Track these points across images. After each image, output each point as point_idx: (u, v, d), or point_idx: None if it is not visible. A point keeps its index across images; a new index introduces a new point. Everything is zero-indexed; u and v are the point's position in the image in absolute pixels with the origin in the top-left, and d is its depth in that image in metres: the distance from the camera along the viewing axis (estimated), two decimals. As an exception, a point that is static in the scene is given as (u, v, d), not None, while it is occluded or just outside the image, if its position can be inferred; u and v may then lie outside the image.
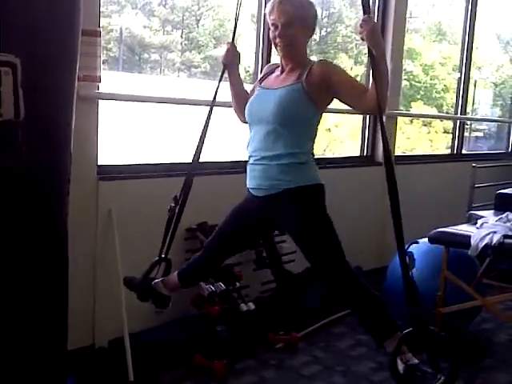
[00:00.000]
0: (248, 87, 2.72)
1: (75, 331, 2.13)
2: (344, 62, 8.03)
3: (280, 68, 2.52)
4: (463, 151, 5.79)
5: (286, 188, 2.37)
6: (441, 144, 7.68)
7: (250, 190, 2.51)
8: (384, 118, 2.33)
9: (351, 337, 3.46)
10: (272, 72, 2.59)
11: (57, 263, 1.76)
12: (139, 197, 3.00)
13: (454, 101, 5.88)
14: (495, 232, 3.14)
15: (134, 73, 5.55)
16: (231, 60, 2.63)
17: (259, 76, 2.74)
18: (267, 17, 2.44)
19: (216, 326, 3.00)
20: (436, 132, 7.86)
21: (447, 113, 8.44)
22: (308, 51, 2.54)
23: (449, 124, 6.79)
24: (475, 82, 7.79)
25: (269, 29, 2.49)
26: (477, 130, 7.75)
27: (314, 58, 2.48)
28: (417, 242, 3.45)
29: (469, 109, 6.10)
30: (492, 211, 3.86)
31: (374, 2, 4.40)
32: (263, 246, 3.47)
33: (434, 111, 8.67)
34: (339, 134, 5.96)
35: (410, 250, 3.54)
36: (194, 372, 2.88)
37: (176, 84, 5.69)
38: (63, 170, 1.76)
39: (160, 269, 2.69)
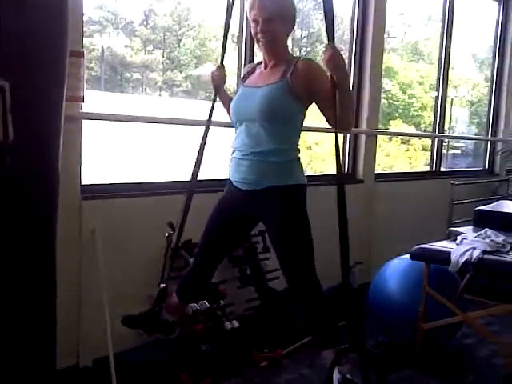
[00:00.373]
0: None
1: (59, 350, 2.12)
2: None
3: (263, 64, 2.55)
4: (442, 168, 5.88)
5: (271, 185, 2.41)
6: (419, 161, 7.79)
7: (234, 183, 2.53)
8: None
9: (335, 353, 3.46)
10: (254, 70, 2.63)
11: (45, 277, 1.77)
12: (123, 216, 3.00)
13: (432, 119, 5.98)
14: (475, 248, 3.20)
15: (115, 92, 5.56)
16: (220, 82, 2.70)
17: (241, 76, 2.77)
18: (248, 13, 2.47)
19: (201, 345, 3.00)
20: (415, 149, 7.98)
21: (425, 131, 8.57)
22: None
23: (427, 142, 6.89)
24: (452, 100, 7.94)
25: (250, 30, 2.53)
26: (454, 148, 7.87)
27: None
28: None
29: (446, 126, 6.21)
30: (471, 227, 3.92)
31: (353, 22, 4.48)
32: (247, 263, 3.48)
33: (412, 129, 8.80)
34: (320, 152, 6.03)
35: (390, 266, 3.60)
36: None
37: (158, 103, 5.71)
38: (52, 190, 1.77)
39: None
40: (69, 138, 2.67)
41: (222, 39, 2.70)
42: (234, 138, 2.58)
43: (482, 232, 3.53)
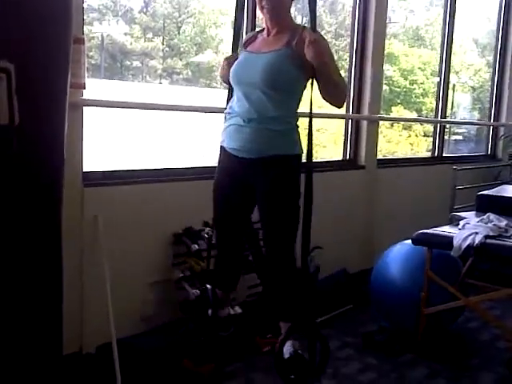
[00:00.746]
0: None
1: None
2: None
3: (265, 31, 2.54)
4: (444, 154, 5.87)
5: (272, 154, 2.41)
6: (421, 147, 7.76)
7: (229, 151, 2.51)
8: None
9: (338, 339, 3.48)
10: (255, 38, 2.61)
11: (52, 265, 1.77)
12: (125, 203, 3.00)
13: (434, 105, 5.96)
14: (477, 233, 3.19)
15: (115, 80, 5.53)
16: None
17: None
18: None
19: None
20: (416, 135, 7.94)
21: (426, 116, 8.54)
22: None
23: (429, 127, 6.86)
24: (453, 86, 7.90)
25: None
26: (456, 134, 7.84)
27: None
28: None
29: (448, 112, 6.18)
30: (473, 212, 3.92)
31: (355, 7, 4.46)
32: (249, 250, 3.48)
33: (413, 115, 8.75)
34: (322, 139, 6.01)
35: (393, 251, 3.60)
36: (183, 377, 2.88)
37: (158, 91, 5.69)
38: (57, 174, 1.77)
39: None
40: (70, 124, 2.66)
41: (232, 26, 2.70)
42: (231, 103, 2.55)
43: (485, 217, 3.53)
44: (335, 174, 4.27)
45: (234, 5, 2.66)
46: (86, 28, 2.92)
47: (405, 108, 9.00)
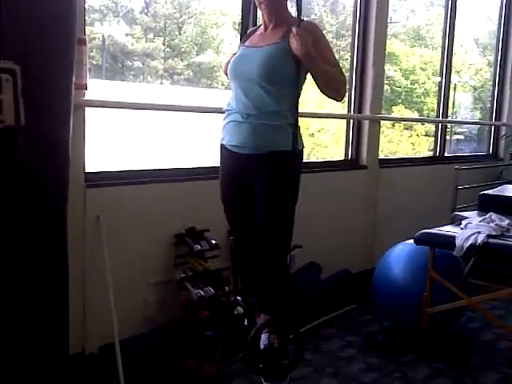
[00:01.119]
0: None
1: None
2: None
3: (263, 26, 2.54)
4: (445, 154, 5.86)
5: (271, 150, 2.40)
6: (422, 147, 7.76)
7: (229, 147, 2.51)
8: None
9: (340, 338, 3.48)
10: (253, 33, 2.61)
11: (58, 265, 1.77)
12: (127, 203, 3.00)
13: (435, 104, 5.96)
14: (479, 232, 3.19)
15: (116, 80, 5.53)
16: None
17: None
18: None
19: (206, 331, 3.01)
20: (418, 135, 7.94)
21: (428, 116, 8.53)
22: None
23: (430, 127, 6.86)
24: (455, 85, 7.90)
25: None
26: (458, 133, 7.83)
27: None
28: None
29: (449, 112, 6.18)
30: (475, 212, 3.91)
31: (356, 7, 4.45)
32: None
33: (414, 115, 8.76)
34: (323, 139, 6.01)
35: (395, 251, 3.60)
36: (185, 377, 2.88)
37: (159, 91, 5.69)
38: (62, 174, 1.77)
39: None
40: (72, 125, 2.68)
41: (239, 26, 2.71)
42: (229, 99, 2.55)
43: (487, 216, 3.52)
44: (337, 174, 4.27)
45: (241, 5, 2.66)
46: (87, 29, 2.92)
47: (406, 108, 9.00)
